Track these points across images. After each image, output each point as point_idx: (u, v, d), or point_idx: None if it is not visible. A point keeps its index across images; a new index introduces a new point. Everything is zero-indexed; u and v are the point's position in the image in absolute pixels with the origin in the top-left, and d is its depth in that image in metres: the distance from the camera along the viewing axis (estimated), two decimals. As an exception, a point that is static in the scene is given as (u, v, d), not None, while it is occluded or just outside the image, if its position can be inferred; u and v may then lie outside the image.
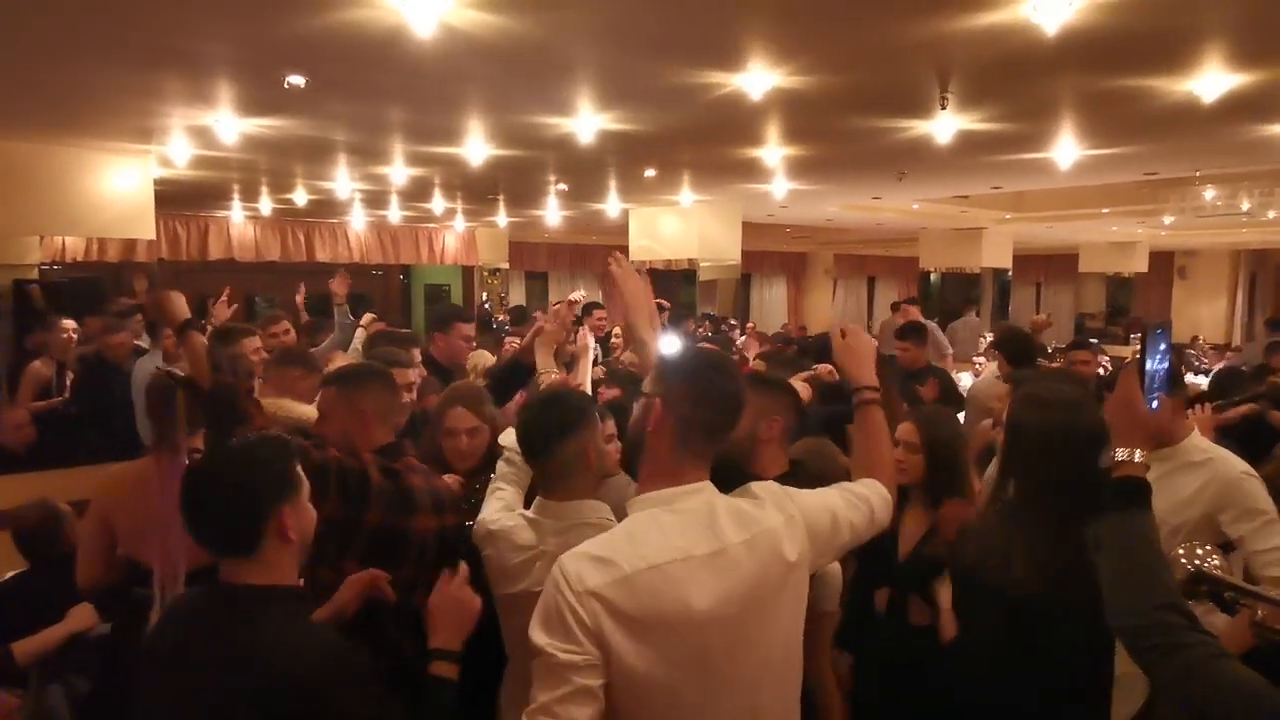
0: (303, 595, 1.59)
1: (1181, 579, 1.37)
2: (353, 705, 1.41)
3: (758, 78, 3.86)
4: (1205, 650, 1.17)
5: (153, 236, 6.22)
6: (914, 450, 2.38)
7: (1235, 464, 2.31)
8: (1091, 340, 6.68)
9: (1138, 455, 1.35)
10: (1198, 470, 2.29)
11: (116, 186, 5.84)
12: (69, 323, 5.15)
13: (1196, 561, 1.37)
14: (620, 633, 1.29)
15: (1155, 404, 1.41)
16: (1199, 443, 2.38)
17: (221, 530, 1.48)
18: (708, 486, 1.45)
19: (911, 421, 2.44)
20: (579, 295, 3.59)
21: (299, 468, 1.56)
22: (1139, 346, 1.44)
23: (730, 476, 1.52)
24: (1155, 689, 1.75)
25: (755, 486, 1.52)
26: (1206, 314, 14.96)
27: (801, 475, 2.00)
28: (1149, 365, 1.41)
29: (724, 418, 1.46)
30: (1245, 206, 8.92)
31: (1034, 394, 1.91)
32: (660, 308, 6.31)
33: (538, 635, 1.30)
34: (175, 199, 8.19)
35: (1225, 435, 3.24)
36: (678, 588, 1.33)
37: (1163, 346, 1.46)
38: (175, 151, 5.66)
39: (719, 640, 1.36)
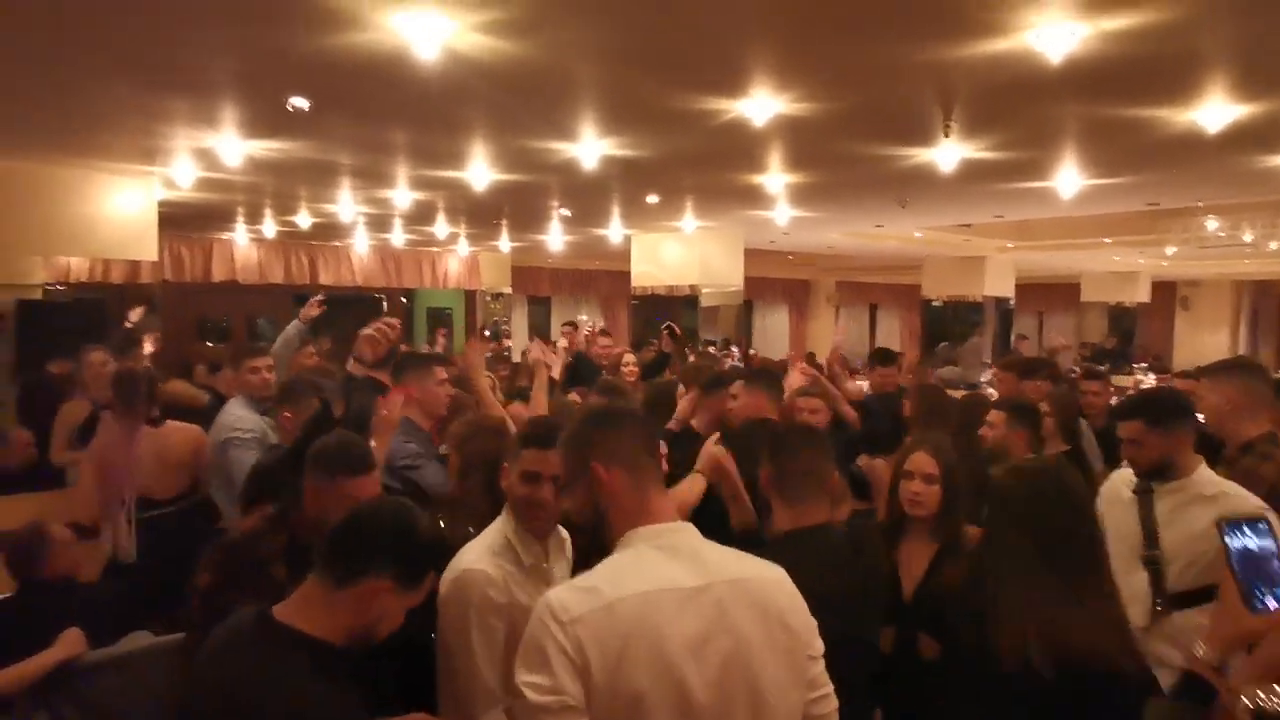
0: (338, 653, 1.51)
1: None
2: None
3: (761, 104, 3.86)
4: None
5: (156, 258, 6.23)
6: (932, 481, 2.32)
7: (1249, 499, 2.27)
8: (1099, 368, 6.56)
9: (1214, 658, 1.39)
10: (1210, 504, 2.25)
11: (120, 207, 5.85)
12: (99, 354, 4.71)
13: (1260, 700, 1.31)
14: (603, 661, 1.26)
15: (1270, 604, 1.34)
16: (1209, 475, 2.36)
17: (330, 554, 1.52)
18: (689, 527, 1.45)
19: (926, 452, 2.37)
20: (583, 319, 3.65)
21: (416, 564, 1.55)
22: (1221, 545, 1.36)
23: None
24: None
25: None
26: (1209, 345, 14.92)
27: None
28: (1237, 567, 1.36)
29: (649, 444, 1.50)
30: (1248, 238, 8.90)
31: (1017, 465, 1.95)
32: (672, 332, 6.27)
33: (519, 674, 1.28)
34: (179, 220, 8.21)
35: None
36: (660, 615, 1.30)
37: (1254, 540, 1.36)
38: (179, 173, 5.67)
39: (701, 678, 1.30)
